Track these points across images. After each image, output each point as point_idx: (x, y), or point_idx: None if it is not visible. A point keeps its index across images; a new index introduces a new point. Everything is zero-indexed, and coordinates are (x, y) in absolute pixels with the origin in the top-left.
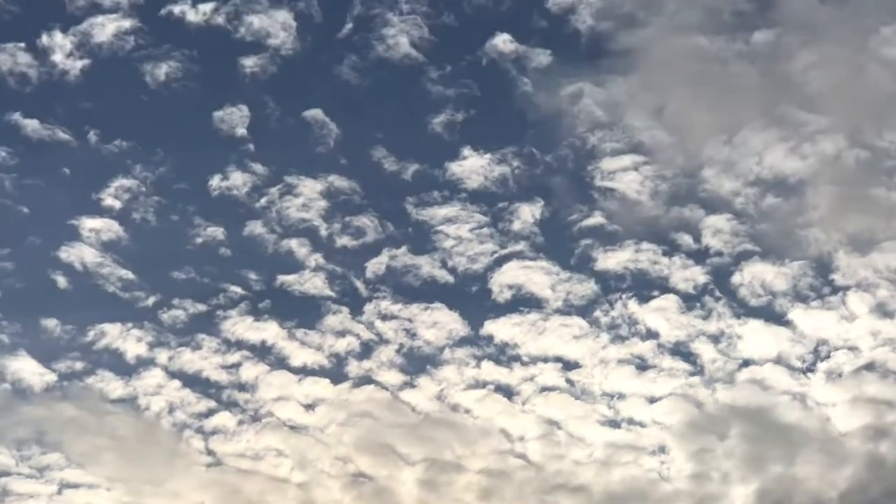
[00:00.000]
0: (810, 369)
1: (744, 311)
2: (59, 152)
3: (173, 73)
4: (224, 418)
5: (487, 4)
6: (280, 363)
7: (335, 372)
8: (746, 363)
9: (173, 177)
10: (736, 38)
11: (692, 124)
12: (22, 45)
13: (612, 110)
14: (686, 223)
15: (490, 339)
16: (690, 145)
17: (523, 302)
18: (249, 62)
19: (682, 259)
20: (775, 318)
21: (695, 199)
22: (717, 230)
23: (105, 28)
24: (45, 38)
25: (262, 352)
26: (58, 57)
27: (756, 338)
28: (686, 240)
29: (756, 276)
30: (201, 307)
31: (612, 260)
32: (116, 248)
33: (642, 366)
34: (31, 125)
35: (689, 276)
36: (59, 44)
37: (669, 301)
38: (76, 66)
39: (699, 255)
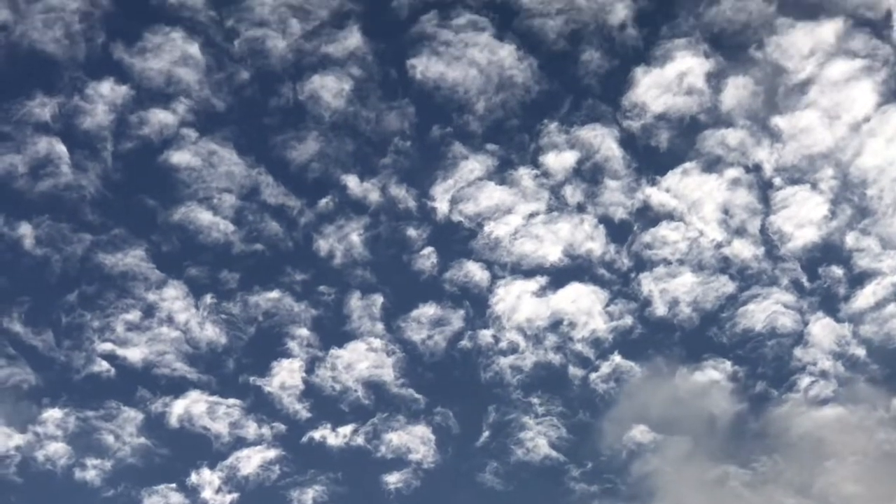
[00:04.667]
0: None
1: None
2: None
3: (319, 497)
4: None
5: (623, 399)
6: None
7: None
8: None
9: None
10: (876, 405)
11: (843, 497)
12: (173, 485)
13: (760, 490)
14: None
15: None
16: None
17: None
18: (392, 478)
19: None
20: None
21: None
22: None
23: (251, 460)
24: (194, 477)
25: None
26: (207, 493)
27: None
28: None
29: None
30: None
31: None
32: None
33: None
34: None
35: None
36: (208, 480)
37: None
38: (225, 500)
39: None
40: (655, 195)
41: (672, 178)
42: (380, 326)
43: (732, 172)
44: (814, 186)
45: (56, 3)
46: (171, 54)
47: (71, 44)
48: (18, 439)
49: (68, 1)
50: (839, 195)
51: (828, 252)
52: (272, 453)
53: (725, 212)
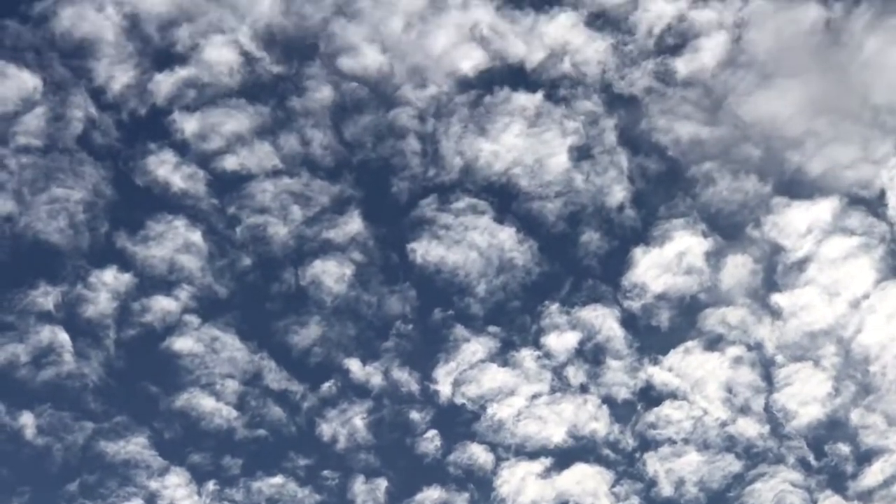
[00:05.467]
0: None
1: None
2: None
3: None
4: None
5: None
6: None
7: None
8: None
9: None
10: None
11: None
12: None
13: None
14: None
15: None
16: None
17: None
18: None
19: None
20: None
21: None
22: None
23: None
24: None
25: None
26: None
27: None
28: None
29: None
30: None
31: None
32: None
33: None
34: None
35: None
36: None
37: None
38: None
39: None
40: (658, 374)
41: (674, 358)
42: None
43: (734, 351)
44: (816, 363)
45: (61, 194)
46: (174, 242)
47: (75, 233)
48: None
49: (73, 192)
50: (842, 372)
51: (833, 429)
52: None
53: (729, 390)
